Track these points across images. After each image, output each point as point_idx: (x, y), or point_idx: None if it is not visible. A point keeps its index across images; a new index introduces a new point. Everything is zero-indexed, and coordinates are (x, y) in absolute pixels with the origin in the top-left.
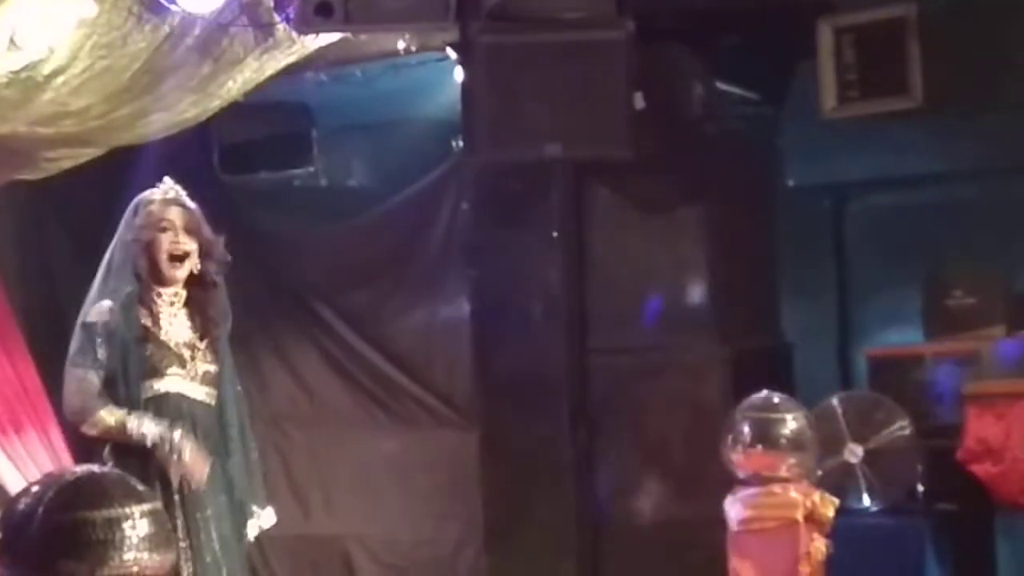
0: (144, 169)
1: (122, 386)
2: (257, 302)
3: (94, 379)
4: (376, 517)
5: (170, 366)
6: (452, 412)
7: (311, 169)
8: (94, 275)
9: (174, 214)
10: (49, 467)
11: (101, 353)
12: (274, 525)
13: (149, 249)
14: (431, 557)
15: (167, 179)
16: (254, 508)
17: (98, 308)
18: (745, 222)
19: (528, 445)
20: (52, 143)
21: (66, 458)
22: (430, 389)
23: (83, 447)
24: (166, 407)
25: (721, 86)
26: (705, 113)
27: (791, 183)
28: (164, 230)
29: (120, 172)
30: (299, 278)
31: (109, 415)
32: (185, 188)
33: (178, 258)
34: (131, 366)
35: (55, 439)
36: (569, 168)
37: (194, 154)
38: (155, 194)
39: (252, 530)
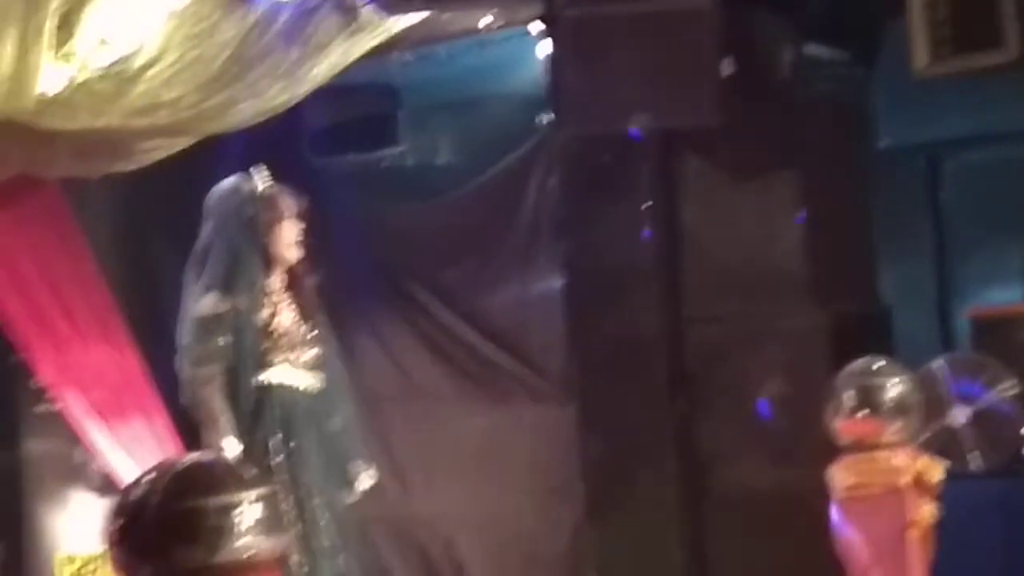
0: (235, 155)
1: (235, 376)
2: (349, 283)
3: (218, 373)
4: (476, 494)
5: (279, 355)
6: (548, 386)
7: (398, 149)
8: (186, 260)
9: (289, 202)
10: (155, 453)
11: (222, 343)
12: (376, 505)
13: (271, 237)
14: (532, 532)
15: (262, 168)
16: (358, 462)
17: (211, 299)
18: (838, 185)
19: (626, 417)
20: (146, 134)
21: (172, 444)
22: (525, 364)
23: (189, 433)
24: (271, 398)
25: (810, 48)
26: (794, 77)
27: (884, 144)
28: (284, 218)
29: (211, 159)
30: (390, 258)
31: (225, 419)
32: (276, 172)
33: (297, 245)
34: (246, 356)
35: (160, 425)
36: (658, 138)
37: (284, 138)
38: (262, 183)
39: (361, 484)
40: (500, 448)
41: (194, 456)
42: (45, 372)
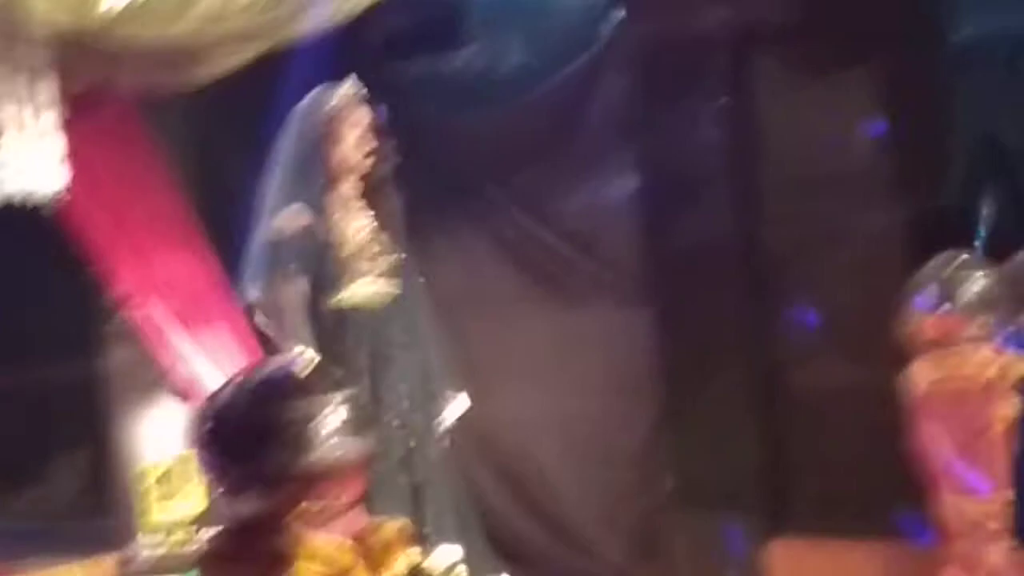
0: (304, 63)
1: (317, 291)
2: (422, 190)
3: (303, 289)
4: (553, 396)
5: (358, 265)
6: (624, 287)
7: (468, 53)
8: (260, 170)
9: (361, 113)
10: (237, 359)
11: (304, 260)
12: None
13: (338, 147)
14: (609, 433)
15: (351, 78)
16: (448, 393)
17: (290, 213)
18: (916, 79)
19: (702, 318)
20: (218, 42)
21: (253, 350)
22: (601, 265)
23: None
24: (349, 312)
25: None
26: None
27: (964, 35)
28: (352, 127)
29: (281, 67)
30: (462, 163)
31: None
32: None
33: (367, 155)
34: (326, 269)
35: (241, 331)
36: (732, 34)
37: (353, 46)
38: (338, 93)
39: (450, 415)
40: (577, 350)
41: (279, 361)
42: (124, 282)
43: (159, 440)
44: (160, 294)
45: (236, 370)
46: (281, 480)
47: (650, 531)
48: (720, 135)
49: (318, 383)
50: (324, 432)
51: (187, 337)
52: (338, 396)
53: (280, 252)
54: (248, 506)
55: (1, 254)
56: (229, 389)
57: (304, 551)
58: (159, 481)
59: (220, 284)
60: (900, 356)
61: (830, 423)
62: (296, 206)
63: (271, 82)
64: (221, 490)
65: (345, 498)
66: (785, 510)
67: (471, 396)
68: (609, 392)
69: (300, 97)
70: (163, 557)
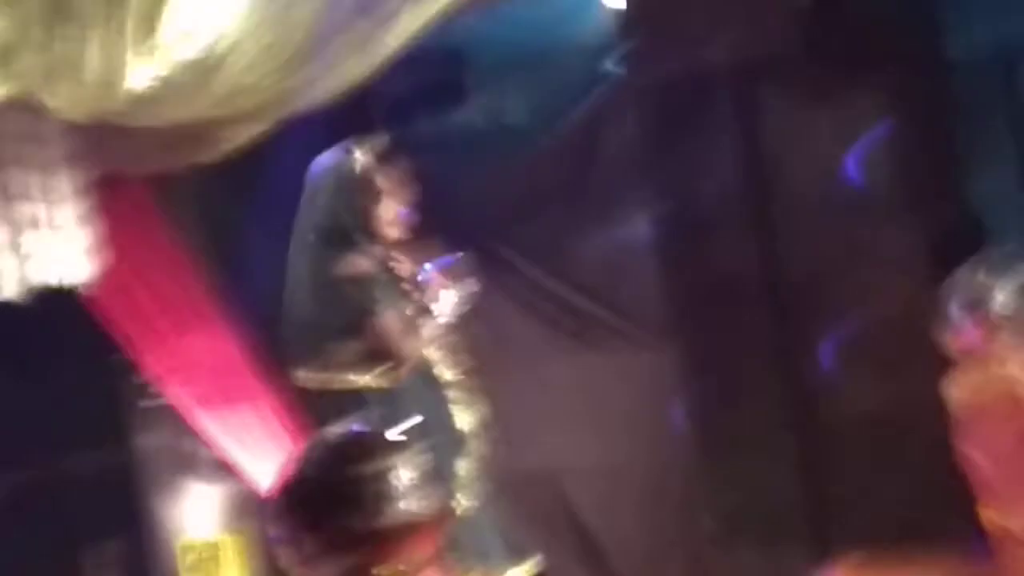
0: (307, 132)
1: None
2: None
3: (400, 316)
4: (580, 446)
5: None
6: (644, 332)
7: (468, 112)
8: (278, 238)
9: (395, 178)
10: (266, 435)
11: (386, 296)
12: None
13: (376, 201)
14: (641, 480)
15: (380, 138)
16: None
17: (352, 258)
18: (918, 98)
19: (729, 353)
20: (228, 122)
21: (282, 423)
22: (619, 312)
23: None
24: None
25: None
26: None
27: (959, 52)
28: (382, 197)
29: (280, 139)
30: (470, 221)
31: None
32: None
33: (398, 222)
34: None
35: (269, 406)
36: (736, 65)
37: (352, 112)
38: (361, 159)
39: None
40: (601, 398)
41: (340, 428)
42: (149, 367)
43: (194, 522)
44: (184, 377)
45: (267, 447)
46: (355, 542)
47: (697, 572)
48: (729, 170)
49: (381, 447)
50: (396, 490)
51: (213, 419)
52: (402, 458)
53: (363, 291)
54: (325, 573)
55: (27, 343)
56: (297, 461)
57: None
58: (202, 559)
59: (244, 362)
60: (936, 373)
61: (869, 449)
62: (350, 254)
63: (277, 152)
64: (296, 561)
65: (424, 555)
66: (831, 538)
67: (500, 448)
68: (638, 437)
69: (307, 163)
70: None
